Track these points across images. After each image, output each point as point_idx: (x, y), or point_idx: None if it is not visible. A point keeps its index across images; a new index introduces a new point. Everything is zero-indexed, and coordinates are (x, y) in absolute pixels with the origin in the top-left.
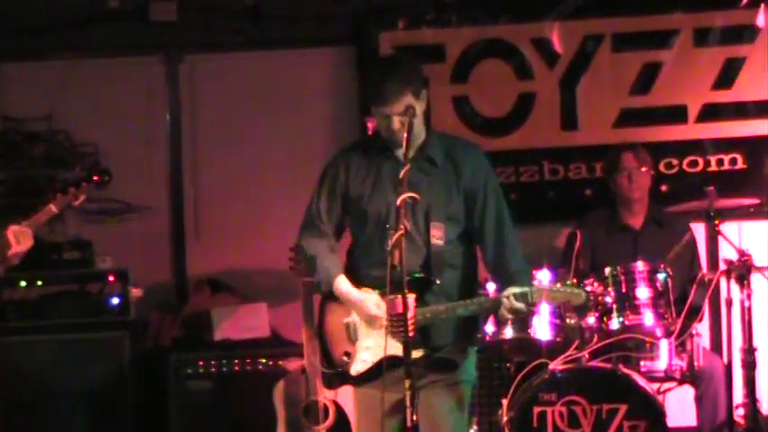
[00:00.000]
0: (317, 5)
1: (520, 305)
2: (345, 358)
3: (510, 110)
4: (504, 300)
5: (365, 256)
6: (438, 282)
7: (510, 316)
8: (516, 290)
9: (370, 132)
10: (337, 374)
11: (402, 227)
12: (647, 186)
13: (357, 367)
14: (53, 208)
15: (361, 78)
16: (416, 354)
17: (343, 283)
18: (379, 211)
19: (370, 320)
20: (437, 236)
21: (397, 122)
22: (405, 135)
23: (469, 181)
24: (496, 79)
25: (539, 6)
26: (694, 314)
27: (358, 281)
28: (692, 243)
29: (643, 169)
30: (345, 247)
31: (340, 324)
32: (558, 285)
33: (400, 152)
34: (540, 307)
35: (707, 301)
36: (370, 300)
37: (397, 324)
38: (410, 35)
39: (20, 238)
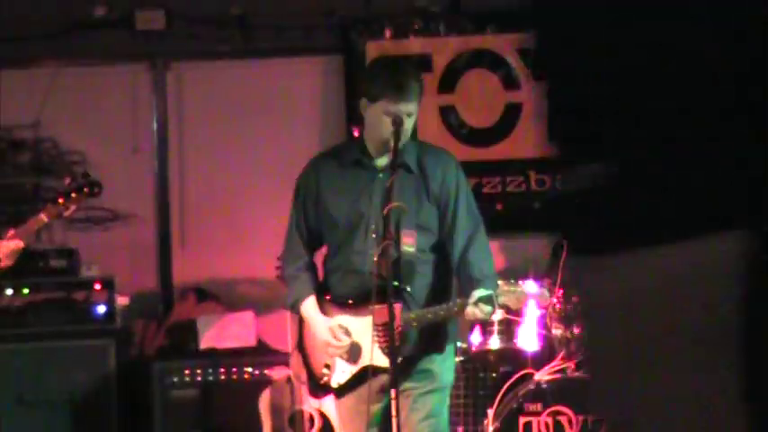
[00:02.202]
0: (303, 15)
1: (487, 308)
2: (326, 370)
3: (497, 120)
4: (470, 305)
5: (335, 263)
6: (408, 289)
7: (478, 317)
8: (483, 293)
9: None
10: (320, 386)
11: (389, 235)
12: None
13: (337, 378)
14: (44, 217)
15: (354, 79)
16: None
17: (307, 308)
18: (349, 219)
19: (348, 331)
20: (407, 243)
21: (405, 122)
22: (393, 142)
23: (439, 187)
24: (483, 89)
25: (525, 17)
26: None
27: (329, 289)
28: None
29: None
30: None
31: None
32: (522, 286)
33: (380, 160)
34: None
35: None
36: (325, 325)
37: (381, 334)
38: (397, 45)
39: (9, 255)
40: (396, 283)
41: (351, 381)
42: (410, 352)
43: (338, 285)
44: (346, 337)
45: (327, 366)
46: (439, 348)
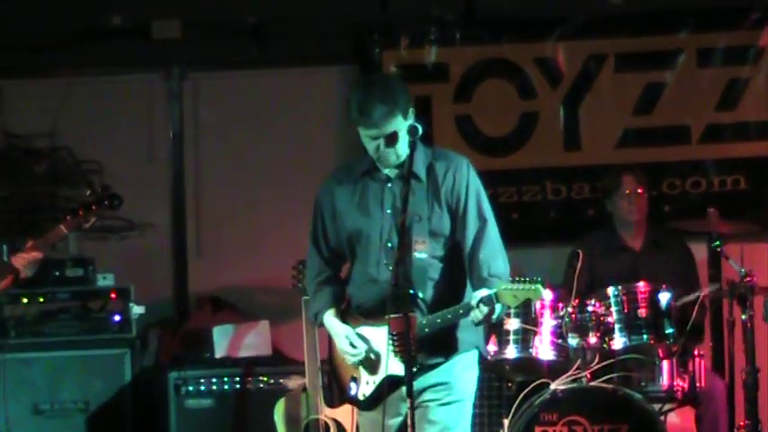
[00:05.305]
0: (319, 24)
1: (485, 309)
2: (353, 383)
3: (513, 129)
4: (473, 307)
5: (355, 273)
6: (421, 295)
7: (480, 319)
8: (482, 294)
9: None
10: (349, 400)
11: (403, 246)
12: (646, 208)
13: (364, 390)
14: (63, 229)
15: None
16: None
17: (329, 320)
18: (363, 229)
19: (367, 340)
20: (419, 249)
21: (384, 143)
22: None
23: (450, 192)
24: (499, 99)
25: (542, 26)
26: (695, 335)
27: (352, 300)
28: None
29: (641, 191)
30: None
31: None
32: (517, 282)
33: (389, 170)
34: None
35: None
36: (342, 334)
37: (398, 343)
38: (413, 54)
39: (29, 266)
40: (411, 291)
41: (375, 392)
42: (423, 359)
43: (359, 295)
44: (363, 344)
45: (354, 379)
46: (449, 354)
